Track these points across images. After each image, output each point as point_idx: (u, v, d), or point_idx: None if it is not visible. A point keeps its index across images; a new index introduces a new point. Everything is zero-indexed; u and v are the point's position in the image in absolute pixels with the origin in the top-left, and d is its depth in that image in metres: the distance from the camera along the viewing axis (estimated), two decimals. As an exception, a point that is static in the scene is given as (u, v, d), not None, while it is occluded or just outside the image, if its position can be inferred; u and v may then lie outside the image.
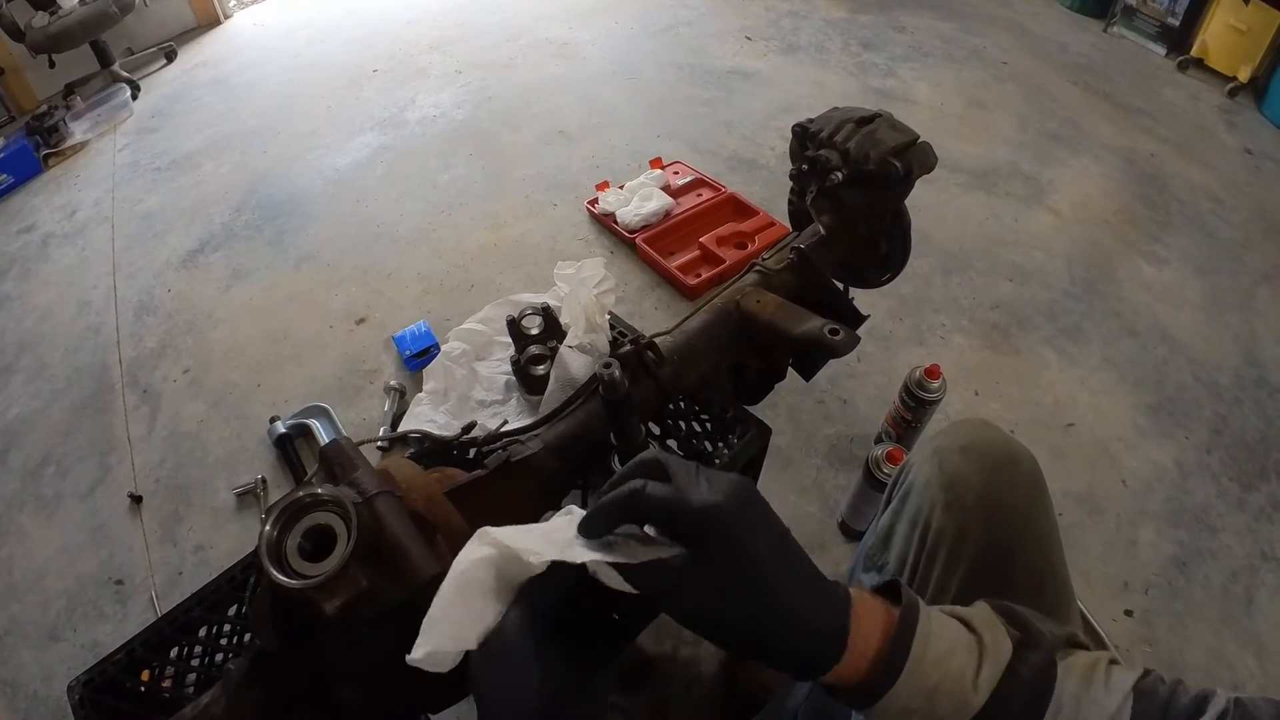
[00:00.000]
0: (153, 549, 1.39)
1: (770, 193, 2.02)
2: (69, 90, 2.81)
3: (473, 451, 0.83)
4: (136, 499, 1.46)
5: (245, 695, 0.64)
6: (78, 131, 2.61)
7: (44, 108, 2.68)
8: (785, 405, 1.49)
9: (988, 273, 1.80)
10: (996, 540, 0.62)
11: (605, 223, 1.95)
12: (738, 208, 1.97)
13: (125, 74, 2.87)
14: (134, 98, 2.79)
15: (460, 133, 2.39)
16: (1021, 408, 1.51)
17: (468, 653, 0.40)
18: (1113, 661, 0.41)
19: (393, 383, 1.57)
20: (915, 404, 1.29)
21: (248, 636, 0.86)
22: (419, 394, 1.49)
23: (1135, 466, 1.41)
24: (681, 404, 0.98)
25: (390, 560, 0.56)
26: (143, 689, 0.81)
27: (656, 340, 0.87)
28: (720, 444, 0.94)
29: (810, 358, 1.06)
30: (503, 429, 0.83)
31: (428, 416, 1.42)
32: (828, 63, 2.65)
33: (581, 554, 0.38)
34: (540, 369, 1.24)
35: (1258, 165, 2.19)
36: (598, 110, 2.44)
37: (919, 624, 0.39)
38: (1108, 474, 1.40)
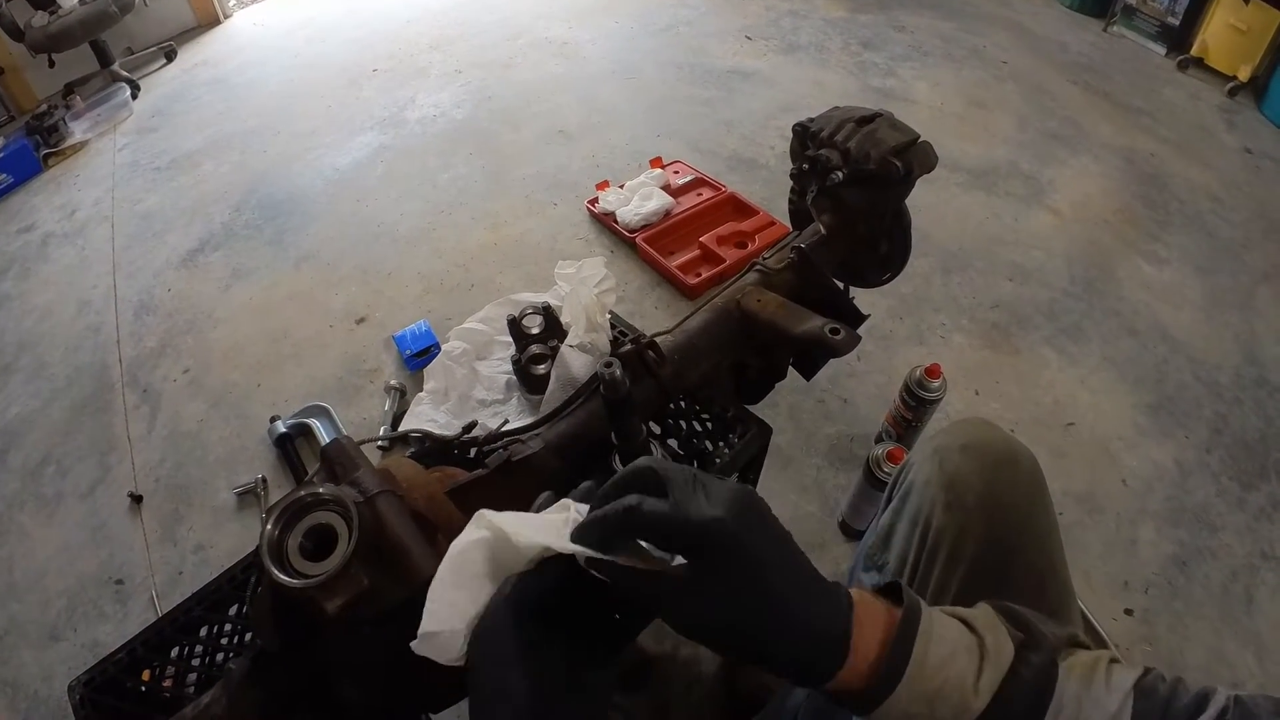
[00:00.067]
0: (153, 548, 1.39)
1: (770, 192, 2.02)
2: (69, 90, 2.81)
3: (474, 451, 0.83)
4: (137, 498, 1.46)
5: (246, 695, 0.64)
6: (77, 131, 2.61)
7: (44, 107, 2.67)
8: (786, 404, 1.49)
9: (988, 272, 1.80)
10: (997, 539, 0.62)
11: (605, 222, 1.95)
12: (738, 207, 1.97)
13: (125, 73, 2.87)
14: (134, 97, 2.79)
15: (460, 132, 2.39)
16: (1021, 407, 1.51)
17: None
18: (1113, 660, 0.41)
19: (393, 382, 1.57)
20: (915, 403, 1.29)
21: (248, 636, 0.86)
22: (420, 393, 1.49)
23: (1135, 466, 1.41)
24: (682, 403, 0.99)
25: (392, 559, 0.56)
26: (143, 689, 0.81)
27: (657, 339, 0.87)
28: (721, 443, 0.94)
29: (811, 357, 1.06)
30: (504, 428, 0.83)
31: (428, 416, 1.42)
32: (828, 62, 2.65)
33: (576, 547, 0.38)
34: (541, 368, 1.25)
35: (1258, 165, 2.19)
36: (598, 110, 2.44)
37: (920, 627, 0.39)
38: (1108, 473, 1.40)
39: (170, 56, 3.08)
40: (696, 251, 1.82)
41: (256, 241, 2.04)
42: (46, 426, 1.64)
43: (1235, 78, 2.45)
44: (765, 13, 2.98)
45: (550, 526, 0.40)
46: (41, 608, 1.33)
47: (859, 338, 0.85)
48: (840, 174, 1.01)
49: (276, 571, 0.54)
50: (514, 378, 1.37)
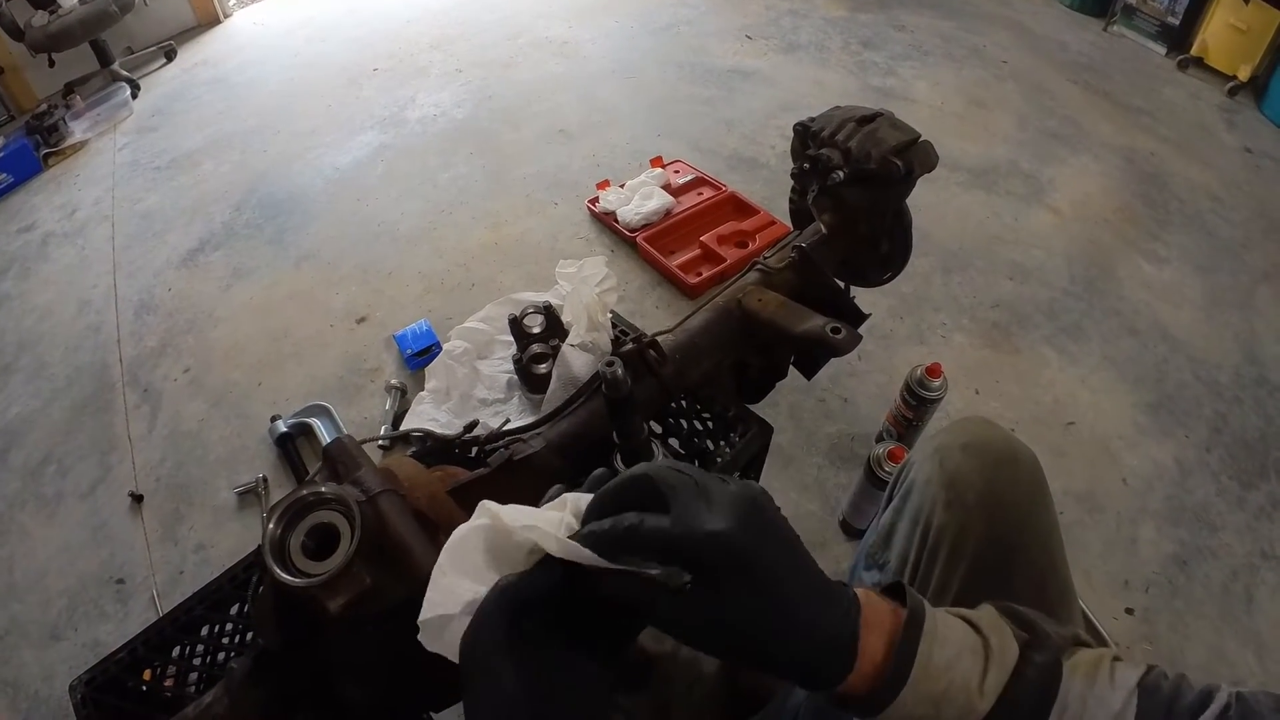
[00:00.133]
0: (154, 548, 1.39)
1: (771, 191, 2.02)
2: (69, 89, 2.80)
3: (475, 450, 0.83)
4: (137, 498, 1.46)
5: (248, 694, 0.64)
6: (77, 130, 2.61)
7: (44, 107, 2.67)
8: (786, 404, 1.49)
9: (988, 271, 1.80)
10: (998, 538, 0.62)
11: (606, 221, 1.95)
12: (738, 206, 1.97)
13: (125, 73, 2.87)
14: (134, 97, 2.79)
15: (461, 131, 2.39)
16: (1022, 406, 1.51)
17: None
18: (1115, 658, 0.41)
19: (394, 381, 1.57)
20: (916, 402, 1.29)
21: (250, 635, 0.86)
22: (421, 392, 1.49)
23: (1135, 465, 1.41)
24: (683, 402, 0.99)
25: (394, 558, 0.56)
26: (144, 688, 0.81)
27: (659, 339, 0.87)
28: (722, 442, 0.94)
29: (812, 356, 1.06)
30: (505, 427, 0.83)
31: (430, 415, 1.42)
32: (828, 61, 2.65)
33: (575, 549, 0.37)
34: (542, 367, 1.25)
35: (1257, 164, 2.19)
36: (598, 109, 2.44)
37: (925, 629, 0.39)
38: (1108, 472, 1.40)
39: (170, 56, 3.08)
40: (697, 251, 1.82)
41: (257, 241, 2.04)
42: (47, 426, 1.64)
43: (1235, 77, 2.45)
44: (765, 12, 2.98)
45: (548, 525, 0.39)
46: (42, 607, 1.33)
47: (860, 337, 0.85)
48: (841, 173, 1.02)
49: (279, 570, 0.54)
50: (515, 377, 1.37)
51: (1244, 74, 2.42)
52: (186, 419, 1.60)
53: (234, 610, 0.85)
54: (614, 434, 0.79)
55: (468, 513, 0.55)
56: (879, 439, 1.41)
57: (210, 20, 3.38)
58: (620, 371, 0.72)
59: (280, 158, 2.37)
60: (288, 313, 1.82)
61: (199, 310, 1.85)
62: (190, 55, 3.13)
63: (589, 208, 2.00)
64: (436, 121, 2.45)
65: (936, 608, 0.41)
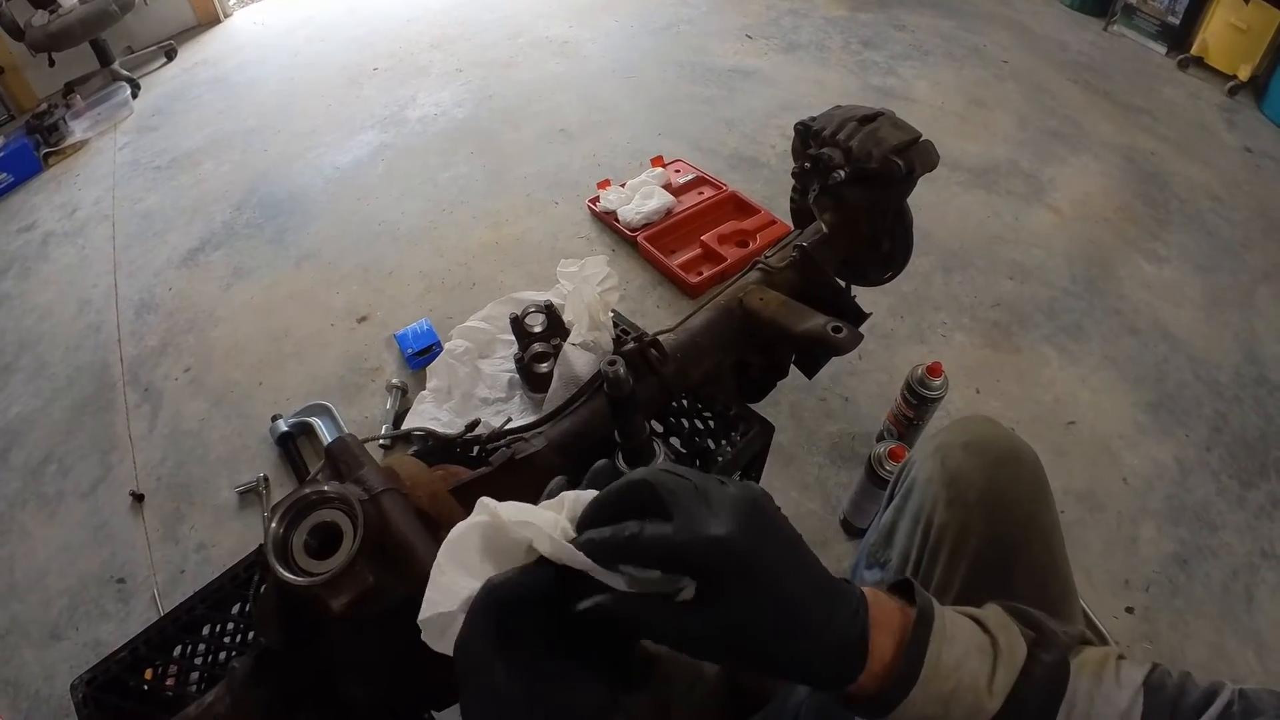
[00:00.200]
0: (155, 547, 1.39)
1: (771, 191, 2.02)
2: (69, 89, 2.80)
3: (477, 449, 0.83)
4: (138, 497, 1.46)
5: (250, 693, 0.64)
6: (78, 130, 2.61)
7: (44, 106, 2.67)
8: (787, 403, 1.49)
9: (988, 271, 1.80)
10: (999, 536, 0.62)
11: (606, 221, 1.95)
12: (739, 206, 1.97)
13: (125, 72, 2.87)
14: (134, 96, 2.79)
15: (461, 131, 2.39)
16: (1022, 405, 1.51)
17: None
18: (1120, 656, 0.41)
19: (395, 381, 1.57)
20: (917, 402, 1.29)
21: (251, 635, 0.86)
22: (422, 392, 1.49)
23: (1136, 464, 1.42)
24: (684, 401, 0.99)
25: (396, 557, 0.56)
26: (146, 687, 0.81)
27: (660, 338, 0.87)
28: (723, 441, 0.94)
29: (813, 355, 1.06)
30: (506, 426, 0.83)
31: (431, 414, 1.42)
32: (828, 61, 2.65)
33: (571, 553, 0.37)
34: (544, 366, 1.25)
35: (1258, 164, 2.19)
36: (598, 108, 2.44)
37: (934, 627, 0.38)
38: (1108, 471, 1.40)
39: (170, 55, 3.08)
40: (698, 250, 1.82)
41: (257, 240, 2.04)
42: (48, 425, 1.63)
43: (1235, 77, 2.45)
44: (766, 11, 2.98)
45: (545, 525, 0.38)
46: (43, 607, 1.33)
47: (861, 336, 0.85)
48: (842, 172, 1.02)
49: (282, 569, 0.54)
50: (517, 376, 1.38)
51: (1244, 74, 2.42)
52: (187, 418, 1.60)
53: (235, 609, 0.85)
54: (616, 433, 0.79)
55: (470, 512, 0.56)
56: (880, 438, 1.41)
57: (210, 20, 3.38)
58: (622, 370, 0.73)
59: (281, 157, 2.37)
60: (288, 312, 1.82)
61: (199, 310, 1.85)
62: (190, 55, 3.13)
63: (589, 207, 2.00)
64: (437, 121, 2.45)
65: (942, 606, 0.41)
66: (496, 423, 0.89)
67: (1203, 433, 1.47)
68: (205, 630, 0.84)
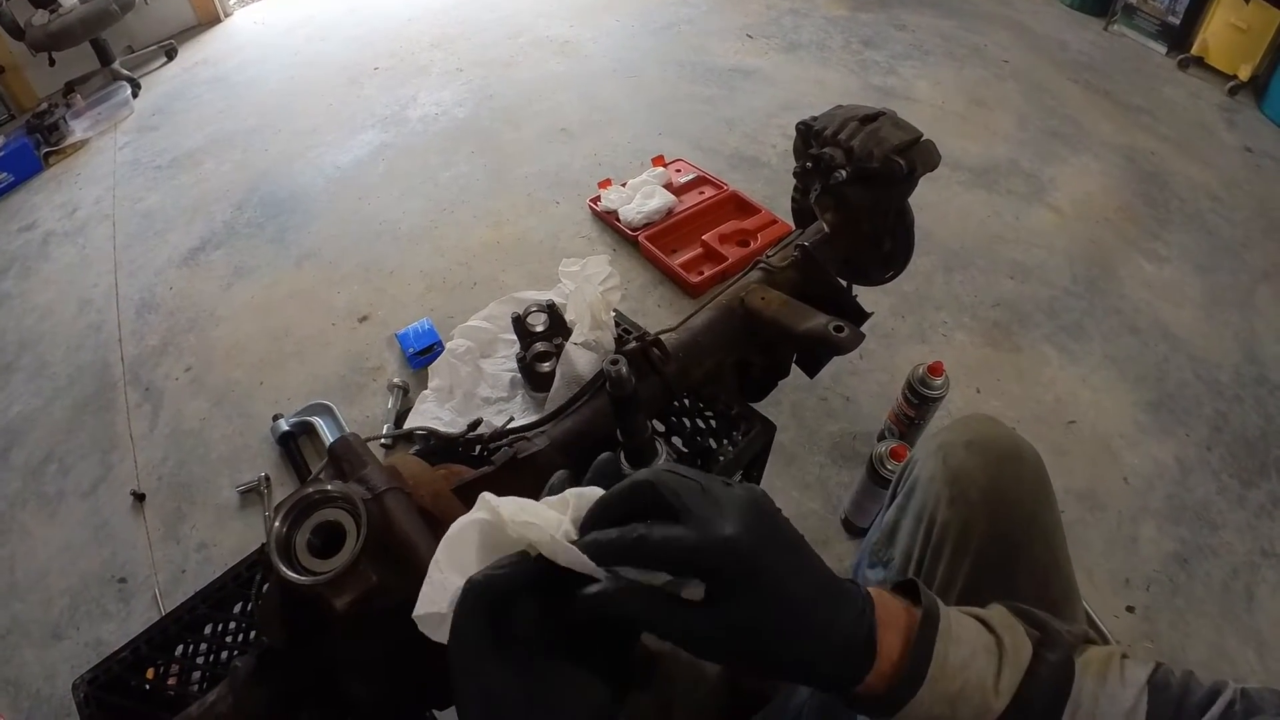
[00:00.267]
0: (156, 547, 1.39)
1: (772, 190, 2.02)
2: (69, 88, 2.80)
3: (479, 448, 0.83)
4: (139, 497, 1.46)
5: (252, 692, 0.64)
6: (78, 129, 2.61)
7: (44, 106, 2.67)
8: (788, 402, 1.50)
9: (989, 270, 1.80)
10: (1001, 534, 0.62)
11: (607, 220, 1.95)
12: (740, 205, 1.97)
13: (125, 72, 2.87)
14: (134, 96, 2.79)
15: (462, 130, 2.39)
16: (1023, 405, 1.51)
17: None
18: (1124, 656, 0.41)
19: (396, 380, 1.57)
20: (918, 401, 1.29)
21: (253, 634, 0.86)
22: (424, 391, 1.49)
23: (1136, 463, 1.42)
24: (686, 401, 0.99)
25: (399, 556, 0.56)
26: (148, 687, 0.81)
27: (662, 337, 0.87)
28: (725, 441, 0.94)
29: (814, 355, 1.07)
30: (509, 426, 0.83)
31: (433, 414, 1.42)
32: (829, 61, 2.65)
33: (575, 555, 0.36)
34: (546, 366, 1.24)
35: (1258, 164, 2.20)
36: (599, 108, 2.44)
37: (940, 627, 0.38)
38: (1109, 471, 1.40)
39: (171, 55, 3.08)
40: (699, 250, 1.82)
41: (258, 240, 2.04)
42: (48, 425, 1.64)
43: (1235, 77, 2.45)
44: (766, 11, 2.98)
45: (547, 525, 0.38)
46: (44, 606, 1.33)
47: (862, 335, 0.85)
48: (844, 172, 1.02)
49: (285, 568, 0.54)
50: (518, 375, 1.37)
51: (1244, 73, 2.42)
52: (188, 418, 1.60)
53: (237, 609, 0.85)
54: (618, 432, 0.79)
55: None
56: (881, 437, 1.41)
57: (211, 19, 3.38)
58: (624, 369, 0.73)
59: (281, 157, 2.37)
60: (289, 312, 1.82)
61: (200, 309, 1.85)
62: (191, 54, 3.13)
63: (590, 206, 2.00)
64: (438, 120, 2.45)
65: (947, 606, 0.41)
66: (498, 422, 0.89)
67: (1203, 432, 1.47)
68: (207, 629, 0.84)
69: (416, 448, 0.94)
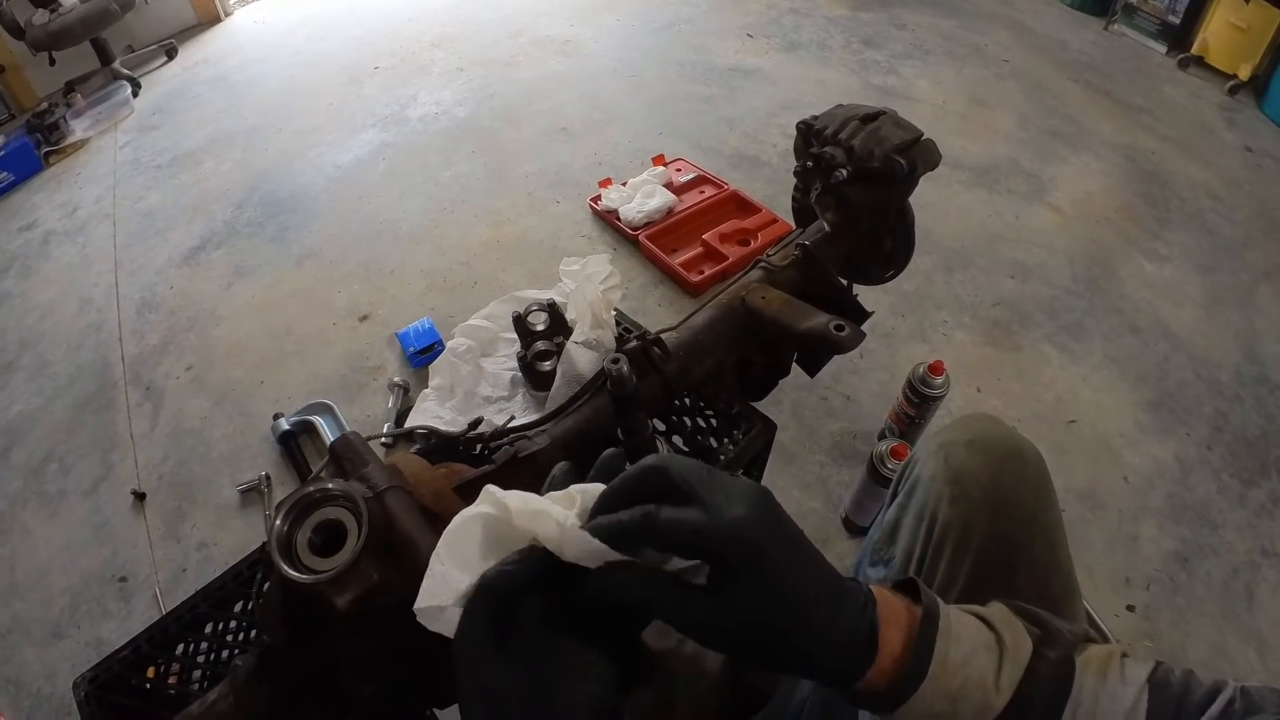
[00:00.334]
0: (156, 546, 1.39)
1: (773, 190, 2.02)
2: (69, 88, 2.80)
3: (480, 447, 0.83)
4: (140, 496, 1.46)
5: (253, 691, 0.64)
6: (78, 129, 2.61)
7: (44, 105, 2.67)
8: (789, 401, 1.50)
9: (989, 270, 1.80)
10: (1002, 533, 0.62)
11: (608, 219, 1.95)
12: (740, 205, 1.97)
13: (126, 71, 2.87)
14: (135, 95, 2.79)
15: (462, 130, 2.39)
16: (1023, 404, 1.51)
17: None
18: (1124, 654, 0.41)
19: (396, 379, 1.57)
20: (918, 400, 1.29)
21: (254, 633, 0.86)
22: (425, 390, 1.49)
23: (1137, 463, 1.42)
24: (687, 400, 0.99)
25: (401, 554, 0.56)
26: (148, 686, 0.81)
27: (663, 336, 0.87)
28: (725, 440, 0.94)
29: (815, 354, 1.06)
30: (509, 424, 0.83)
31: (434, 412, 1.42)
32: (829, 60, 2.65)
33: (584, 541, 0.36)
34: (546, 365, 1.24)
35: (1258, 163, 2.20)
36: (599, 107, 2.44)
37: (940, 625, 0.39)
38: (1109, 470, 1.40)
39: (171, 54, 3.08)
40: (699, 249, 1.82)
41: (259, 239, 2.04)
42: (49, 424, 1.64)
43: (1236, 76, 2.45)
44: (766, 10, 2.98)
45: (551, 518, 0.38)
46: (44, 606, 1.33)
47: (863, 334, 0.85)
48: (844, 171, 1.02)
49: (286, 566, 0.53)
50: (519, 374, 1.37)
51: (1244, 73, 2.42)
52: (189, 417, 1.60)
53: (238, 607, 0.85)
54: (619, 431, 0.79)
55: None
56: (881, 436, 1.41)
57: (211, 18, 3.38)
58: (625, 368, 0.73)
59: (282, 156, 2.37)
60: (290, 311, 1.82)
61: (201, 308, 1.85)
62: (191, 53, 3.13)
63: (591, 206, 2.00)
64: (438, 120, 2.45)
65: (947, 604, 0.41)
66: (499, 421, 0.89)
67: (1203, 431, 1.47)
68: (208, 628, 0.84)
69: (417, 446, 0.94)
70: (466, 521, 0.40)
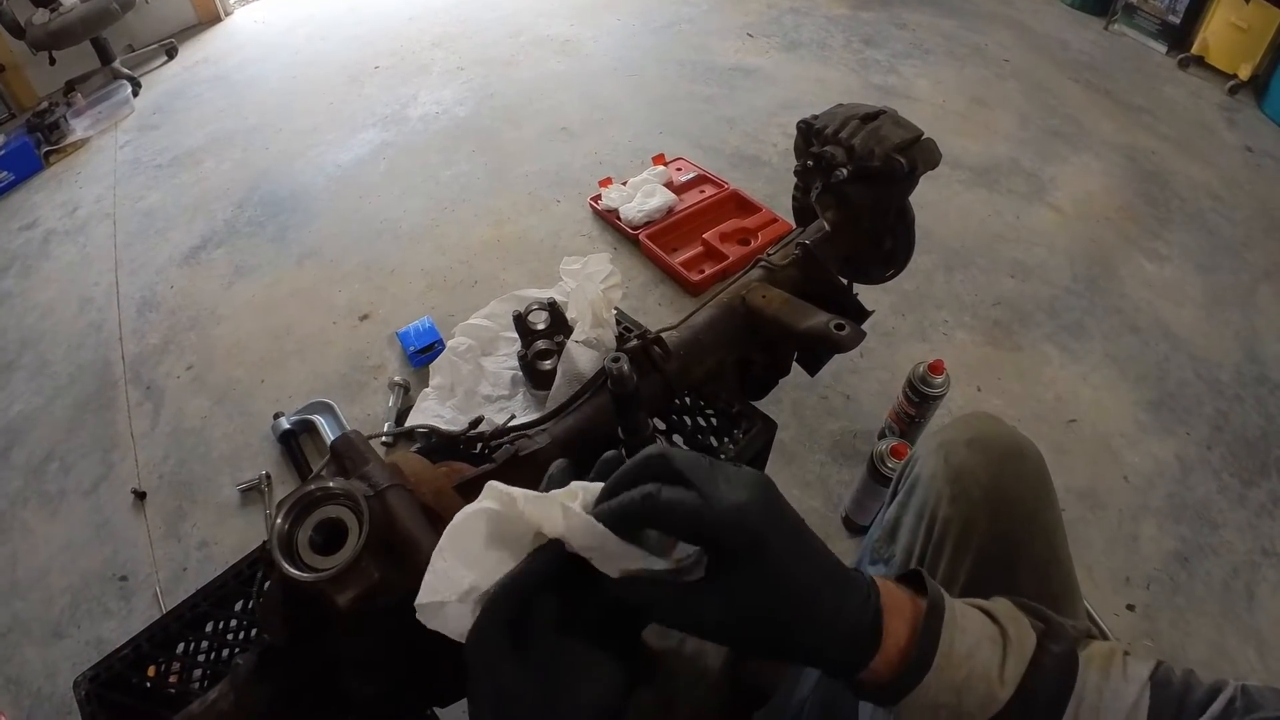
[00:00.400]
0: (157, 545, 1.39)
1: (773, 189, 2.02)
2: (70, 87, 2.80)
3: (480, 446, 0.83)
4: (140, 495, 1.46)
5: (254, 690, 0.64)
6: (79, 128, 2.60)
7: (45, 105, 2.67)
8: (789, 400, 1.50)
9: (990, 269, 1.80)
10: (1003, 532, 0.62)
11: (608, 219, 1.95)
12: (740, 204, 1.97)
13: (126, 71, 2.87)
14: (135, 94, 2.79)
15: (462, 129, 2.39)
16: (1023, 403, 1.51)
17: None
18: (1125, 652, 0.41)
19: (397, 378, 1.57)
20: (919, 399, 1.29)
21: (255, 631, 0.86)
22: (425, 389, 1.49)
23: (1137, 462, 1.42)
24: (687, 399, 0.99)
25: (402, 553, 0.56)
26: (149, 685, 0.81)
27: (663, 335, 0.87)
28: (726, 439, 0.94)
29: (815, 353, 1.07)
30: (510, 423, 0.83)
31: (434, 411, 1.42)
32: (829, 59, 2.65)
33: (587, 526, 0.36)
34: (547, 364, 1.24)
35: (1258, 163, 2.19)
36: (600, 107, 2.44)
37: (945, 617, 0.38)
38: (1109, 469, 1.40)
39: (171, 54, 3.08)
40: (699, 248, 1.82)
41: (259, 238, 2.04)
42: (49, 424, 1.64)
43: (1236, 76, 2.45)
44: (767, 10, 2.98)
45: (556, 504, 0.38)
46: (45, 605, 1.33)
47: (863, 334, 0.85)
48: (845, 170, 1.02)
49: (287, 565, 0.53)
50: (519, 373, 1.37)
51: (1245, 73, 2.42)
52: (189, 416, 1.60)
53: (238, 606, 0.85)
54: (619, 430, 0.79)
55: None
56: (881, 436, 1.42)
57: (211, 18, 3.38)
58: (625, 367, 0.73)
59: (282, 155, 2.37)
60: (290, 310, 1.82)
61: (201, 308, 1.85)
62: (191, 53, 3.13)
63: (591, 205, 2.00)
64: (438, 119, 2.45)
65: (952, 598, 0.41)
66: (500, 420, 0.89)
67: (1204, 431, 1.47)
68: (208, 627, 0.84)
69: (418, 445, 0.94)
70: (470, 517, 0.40)
